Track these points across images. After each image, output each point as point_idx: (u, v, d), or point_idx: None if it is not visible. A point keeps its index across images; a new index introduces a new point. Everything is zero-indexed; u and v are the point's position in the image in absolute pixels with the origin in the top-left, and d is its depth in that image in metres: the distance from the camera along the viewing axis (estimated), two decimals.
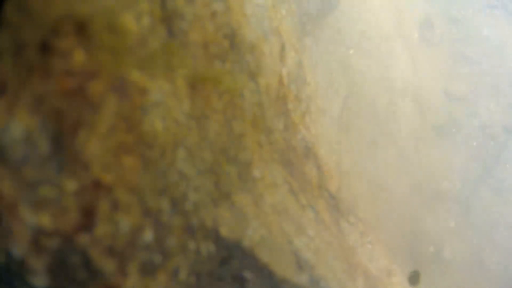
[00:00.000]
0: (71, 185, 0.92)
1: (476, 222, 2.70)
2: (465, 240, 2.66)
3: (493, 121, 2.92)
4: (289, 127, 1.90)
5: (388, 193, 2.52)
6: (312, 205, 1.84)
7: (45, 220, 0.87)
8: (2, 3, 0.93)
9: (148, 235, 1.07)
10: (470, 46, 3.09)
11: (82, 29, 0.93)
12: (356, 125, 2.50)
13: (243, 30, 1.58)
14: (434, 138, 2.84)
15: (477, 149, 2.85)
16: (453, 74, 3.00)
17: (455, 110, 2.92)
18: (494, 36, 3.13)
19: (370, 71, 2.67)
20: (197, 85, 1.26)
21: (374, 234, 2.31)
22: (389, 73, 2.76)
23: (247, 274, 1.33)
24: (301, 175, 1.88)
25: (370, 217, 2.36)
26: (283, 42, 2.00)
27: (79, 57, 0.92)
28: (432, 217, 2.65)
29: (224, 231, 1.30)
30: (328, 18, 2.52)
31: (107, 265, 0.96)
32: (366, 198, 2.40)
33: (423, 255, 2.56)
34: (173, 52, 1.19)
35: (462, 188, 2.76)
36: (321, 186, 2.06)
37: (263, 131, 1.64)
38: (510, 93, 2.98)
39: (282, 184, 1.66)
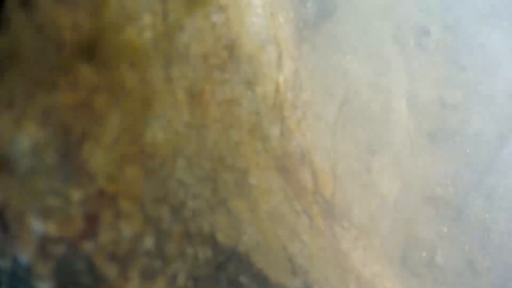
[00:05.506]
0: (76, 195, 0.95)
1: (468, 228, 2.73)
2: (458, 246, 2.69)
3: (486, 129, 2.94)
4: (285, 133, 1.93)
5: (382, 199, 2.55)
6: (307, 211, 1.87)
7: (51, 228, 0.90)
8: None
9: (148, 242, 1.10)
10: (465, 54, 3.11)
11: (88, 43, 0.97)
12: (351, 131, 2.53)
13: (242, 41, 1.61)
14: (428, 144, 2.86)
15: (470, 156, 2.87)
16: (448, 81, 3.02)
17: (450, 118, 2.95)
18: (489, 44, 3.16)
19: (366, 78, 2.70)
20: (197, 96, 1.29)
21: (367, 239, 2.34)
22: (384, 80, 2.79)
23: (243, 279, 1.37)
24: (296, 181, 1.91)
25: (364, 222, 2.39)
26: (280, 50, 2.03)
27: (84, 71, 0.95)
28: (425, 223, 2.68)
29: (220, 237, 1.34)
30: (325, 25, 2.55)
31: (110, 271, 0.99)
32: (360, 203, 2.43)
33: (415, 260, 2.59)
34: (174, 64, 1.22)
35: (455, 194, 2.79)
36: (315, 191, 2.09)
37: (259, 138, 1.67)
38: (504, 101, 3.01)
39: (277, 191, 1.70)
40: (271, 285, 1.45)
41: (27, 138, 0.88)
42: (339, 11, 2.63)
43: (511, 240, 2.75)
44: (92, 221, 0.96)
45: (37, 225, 0.88)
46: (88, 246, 0.96)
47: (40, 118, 0.88)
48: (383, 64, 2.83)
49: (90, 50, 0.97)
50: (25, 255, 0.87)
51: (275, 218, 1.60)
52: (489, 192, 2.84)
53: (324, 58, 2.51)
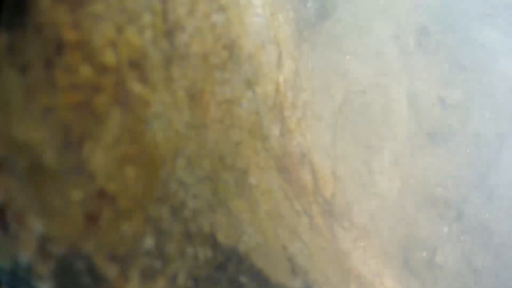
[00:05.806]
0: (76, 195, 0.95)
1: (468, 228, 2.73)
2: (458, 246, 2.69)
3: (486, 128, 2.94)
4: (285, 133, 1.93)
5: (382, 199, 2.55)
6: (307, 211, 1.87)
7: (52, 227, 0.90)
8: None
9: (149, 242, 1.10)
10: (465, 54, 3.11)
11: (87, 43, 0.97)
12: (351, 131, 2.53)
13: (242, 40, 1.61)
14: (428, 144, 2.86)
15: (470, 156, 2.87)
16: (448, 81, 3.02)
17: (450, 117, 2.95)
18: (489, 44, 3.16)
19: (366, 78, 2.70)
20: (197, 96, 1.29)
21: (367, 239, 2.34)
22: (384, 80, 2.79)
23: (243, 279, 1.37)
24: (296, 181, 1.91)
25: (364, 222, 2.39)
26: (280, 50, 2.03)
27: (84, 71, 0.95)
28: (425, 223, 2.68)
29: (221, 237, 1.34)
30: (325, 25, 2.55)
31: (110, 271, 0.99)
32: (360, 203, 2.43)
33: (416, 260, 2.59)
34: (174, 64, 1.22)
35: (455, 194, 2.79)
36: (315, 191, 2.09)
37: (259, 138, 1.67)
38: (504, 101, 3.01)
39: (277, 191, 1.70)
40: (271, 285, 1.45)
41: (28, 138, 0.88)
42: (339, 11, 2.63)
43: (511, 240, 2.75)
44: (92, 221, 0.97)
45: (37, 225, 0.88)
46: (88, 246, 0.96)
47: (40, 118, 0.88)
48: (383, 64, 2.83)
49: (91, 49, 0.97)
50: (25, 255, 0.87)
51: (275, 218, 1.60)
52: (489, 192, 2.84)
53: (324, 58, 2.51)
